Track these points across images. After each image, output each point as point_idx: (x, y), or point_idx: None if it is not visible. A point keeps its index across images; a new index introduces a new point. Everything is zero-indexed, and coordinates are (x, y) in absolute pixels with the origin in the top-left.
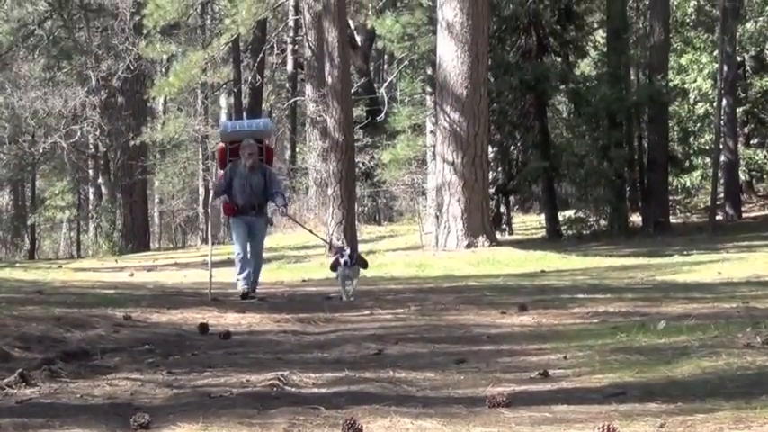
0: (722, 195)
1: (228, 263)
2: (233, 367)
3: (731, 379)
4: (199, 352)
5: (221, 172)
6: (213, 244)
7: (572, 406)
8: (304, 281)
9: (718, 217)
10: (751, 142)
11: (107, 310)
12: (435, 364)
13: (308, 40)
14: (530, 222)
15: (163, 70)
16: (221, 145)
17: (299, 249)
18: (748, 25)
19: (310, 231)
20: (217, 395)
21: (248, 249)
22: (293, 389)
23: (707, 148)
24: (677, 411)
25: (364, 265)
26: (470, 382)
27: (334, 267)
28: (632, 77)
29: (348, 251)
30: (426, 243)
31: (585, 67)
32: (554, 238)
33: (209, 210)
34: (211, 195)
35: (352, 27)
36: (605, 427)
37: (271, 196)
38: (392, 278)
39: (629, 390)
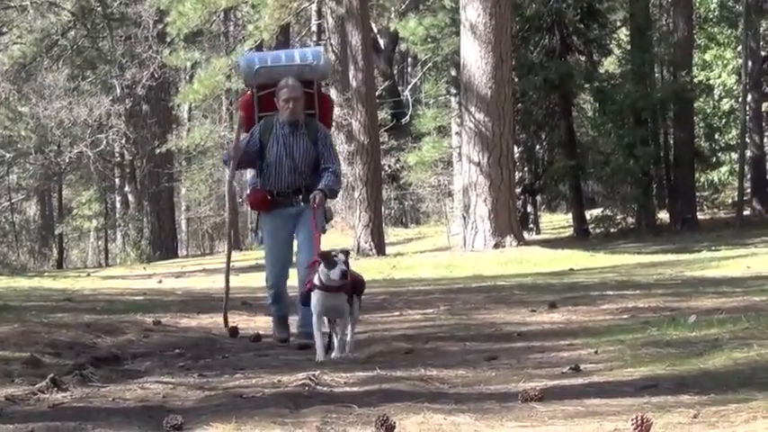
0: (749, 191)
1: (251, 269)
2: (264, 369)
3: (764, 369)
4: (229, 355)
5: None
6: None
7: (604, 399)
8: None
9: (745, 212)
10: None
11: (136, 316)
12: (466, 361)
13: (331, 45)
14: (557, 221)
15: (187, 77)
16: (246, 94)
17: None
18: None
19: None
20: (249, 396)
21: (288, 267)
22: (325, 388)
23: (733, 143)
24: (710, 402)
25: (359, 288)
26: (502, 378)
27: (305, 300)
28: (656, 74)
29: (339, 262)
30: (454, 244)
31: (610, 65)
32: (582, 237)
33: (227, 190)
34: (227, 170)
35: (375, 30)
36: (639, 419)
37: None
38: (421, 279)
39: (661, 382)
